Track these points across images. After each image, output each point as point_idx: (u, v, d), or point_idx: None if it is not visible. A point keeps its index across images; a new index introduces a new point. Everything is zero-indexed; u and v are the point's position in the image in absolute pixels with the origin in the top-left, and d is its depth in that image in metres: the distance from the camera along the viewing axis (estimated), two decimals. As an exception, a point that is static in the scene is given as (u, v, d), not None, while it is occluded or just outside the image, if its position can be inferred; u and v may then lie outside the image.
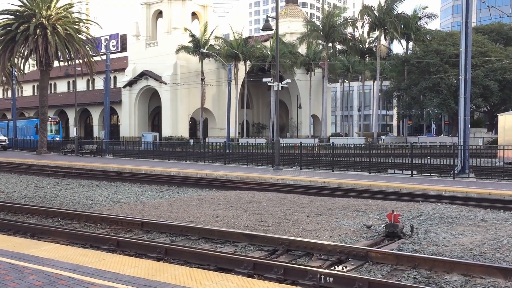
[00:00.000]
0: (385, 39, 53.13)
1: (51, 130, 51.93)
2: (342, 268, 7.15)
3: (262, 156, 28.47)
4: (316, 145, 32.52)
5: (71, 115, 63.26)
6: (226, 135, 47.40)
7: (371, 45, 55.52)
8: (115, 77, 65.35)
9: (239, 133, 60.36)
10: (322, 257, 7.77)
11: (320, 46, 60.24)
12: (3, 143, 47.12)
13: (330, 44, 55.67)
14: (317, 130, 68.19)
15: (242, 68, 55.87)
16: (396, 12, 51.60)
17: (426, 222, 10.75)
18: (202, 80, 54.04)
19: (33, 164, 30.55)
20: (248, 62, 55.73)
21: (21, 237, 9.11)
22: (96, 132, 63.45)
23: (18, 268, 6.29)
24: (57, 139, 48.89)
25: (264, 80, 27.65)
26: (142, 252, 8.05)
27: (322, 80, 59.76)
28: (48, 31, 37.21)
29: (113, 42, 68.90)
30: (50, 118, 51.53)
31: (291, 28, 67.11)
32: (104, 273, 6.05)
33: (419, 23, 52.52)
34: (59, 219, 11.33)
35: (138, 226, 10.06)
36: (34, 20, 37.45)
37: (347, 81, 72.23)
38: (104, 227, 10.36)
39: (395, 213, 9.22)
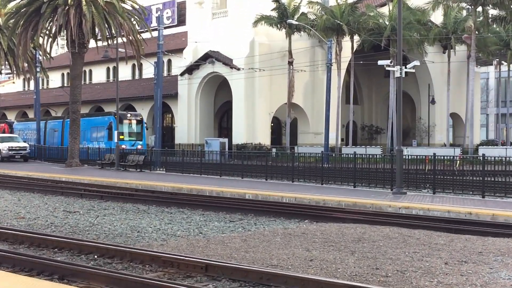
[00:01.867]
0: None
1: (129, 133, 49.22)
2: None
3: (376, 174, 28.12)
4: (457, 157, 31.62)
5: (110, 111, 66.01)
6: (324, 142, 47.20)
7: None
8: (169, 61, 67.64)
9: (342, 139, 59.98)
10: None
11: (464, 12, 58.35)
12: (23, 151, 50.38)
13: (479, 9, 53.85)
14: (458, 136, 66.04)
15: (347, 46, 55.56)
16: None
17: None
18: (290, 63, 54.40)
19: (61, 180, 32.42)
20: (356, 37, 55.31)
21: (46, 280, 9.68)
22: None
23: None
24: (139, 147, 47.32)
25: (380, 63, 27.33)
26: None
27: (467, 62, 57.80)
28: (82, 0, 39.38)
29: (167, 13, 71.53)
30: (128, 114, 50.40)
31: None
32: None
33: None
34: (96, 256, 11.89)
35: (201, 270, 10.32)
36: (64, -14, 39.82)
37: (505, 63, 69.26)
38: (155, 270, 10.72)
39: None
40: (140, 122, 50.16)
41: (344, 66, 56.77)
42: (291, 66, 54.48)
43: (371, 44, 55.98)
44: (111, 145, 44.86)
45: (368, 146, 55.93)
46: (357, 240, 13.94)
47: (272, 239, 14.13)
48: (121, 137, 46.20)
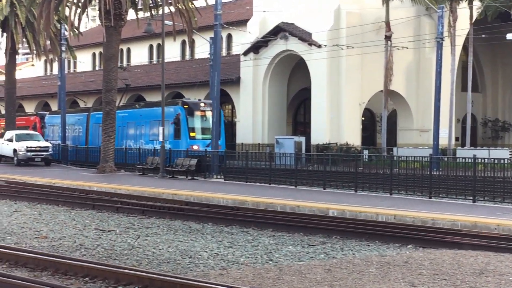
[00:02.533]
0: None
1: (202, 129, 47.46)
2: None
3: (503, 185, 27.52)
4: None
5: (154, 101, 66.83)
6: (433, 142, 46.58)
7: None
8: (229, 37, 68.09)
9: (456, 138, 59.11)
10: None
11: None
12: (45, 153, 51.57)
13: None
14: None
15: (465, 15, 54.70)
16: None
17: None
18: (388, 38, 53.91)
19: (92, 190, 33.06)
20: (476, 3, 54.38)
21: (76, 317, 9.91)
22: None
23: None
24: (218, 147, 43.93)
25: (509, 37, 26.83)
26: None
27: None
28: (119, -41, 40.11)
29: (227, -26, 71.94)
30: (202, 104, 48.25)
31: None
32: None
33: None
34: (137, 288, 12.09)
35: (273, 308, 10.34)
36: None
37: None
38: (213, 307, 10.83)
39: None
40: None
41: (460, 41, 55.86)
42: (389, 42, 53.96)
43: (497, 12, 54.93)
44: (178, 145, 44.53)
45: (492, 148, 54.81)
46: (478, 272, 13.72)
47: (365, 269, 14.05)
48: (192, 134, 46.10)
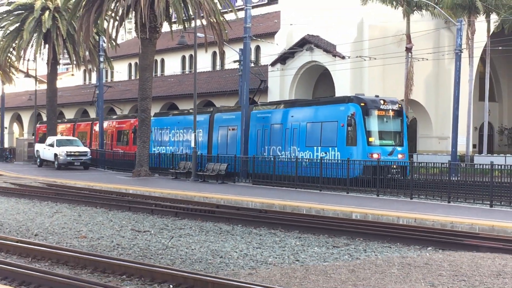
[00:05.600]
0: None
1: (382, 134, 37.18)
2: None
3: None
4: None
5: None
6: (451, 149, 46.30)
7: None
8: (257, 48, 68.29)
9: (474, 145, 58.69)
10: None
11: None
12: (84, 157, 51.98)
13: None
14: None
15: (482, 28, 54.37)
16: None
17: None
18: (408, 50, 53.72)
19: (128, 193, 33.32)
20: (493, 17, 54.07)
21: (114, 313, 10.00)
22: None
23: None
24: (400, 156, 36.35)
25: (524, 49, 26.60)
26: None
27: None
28: (154, -25, 40.39)
29: (256, -11, 72.24)
30: (381, 101, 37.14)
31: None
32: None
33: None
34: (171, 286, 12.16)
35: (300, 306, 10.37)
36: (133, -41, 40.90)
37: None
38: (243, 305, 10.87)
39: None
40: (399, 114, 37.75)
41: (477, 53, 55.51)
42: (409, 54, 53.79)
43: (513, 25, 54.58)
44: (352, 153, 35.06)
45: (508, 155, 54.42)
46: (496, 274, 13.68)
47: (387, 270, 14.05)
48: (370, 139, 35.79)
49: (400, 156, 35.93)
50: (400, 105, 38.25)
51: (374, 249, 17.30)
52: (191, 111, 45.57)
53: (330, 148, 36.86)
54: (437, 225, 21.43)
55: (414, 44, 53.81)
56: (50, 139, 54.45)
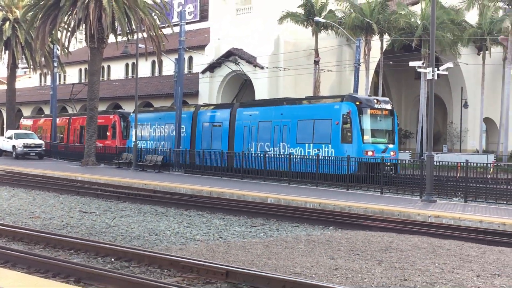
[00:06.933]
0: None
1: (375, 132, 33.49)
2: None
3: (404, 180, 27.99)
4: (491, 165, 31.35)
5: (129, 110, 66.52)
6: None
7: None
8: (190, 58, 67.92)
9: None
10: None
11: (501, 12, 57.78)
12: (38, 149, 50.98)
13: (516, 8, 53.36)
14: (492, 142, 65.39)
15: (377, 46, 55.35)
16: None
17: None
18: (316, 62, 54.30)
19: (77, 179, 32.75)
20: (386, 37, 55.11)
21: (62, 282, 9.81)
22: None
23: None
24: (392, 153, 33.05)
25: (411, 64, 27.19)
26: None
27: (503, 65, 57.28)
28: (103, -7, 39.80)
29: (189, 8, 71.91)
30: (375, 100, 34.11)
31: (455, -16, 65.35)
32: None
33: None
34: (113, 259, 12.01)
35: (222, 276, 10.38)
36: (84, -21, 40.24)
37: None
38: (174, 275, 10.82)
39: None
40: (391, 113, 34.41)
41: (372, 66, 56.50)
42: (317, 66, 54.38)
43: (402, 44, 55.69)
44: (347, 150, 31.27)
45: (401, 151, 55.61)
46: (384, 249, 13.93)
47: (295, 245, 14.18)
48: (365, 137, 32.54)
49: (392, 153, 33.01)
50: (392, 105, 35.24)
51: (285, 228, 17.44)
52: (174, 107, 44.15)
53: (323, 145, 33.23)
54: (337, 208, 21.67)
55: (321, 57, 54.40)
56: (9, 133, 53.15)
